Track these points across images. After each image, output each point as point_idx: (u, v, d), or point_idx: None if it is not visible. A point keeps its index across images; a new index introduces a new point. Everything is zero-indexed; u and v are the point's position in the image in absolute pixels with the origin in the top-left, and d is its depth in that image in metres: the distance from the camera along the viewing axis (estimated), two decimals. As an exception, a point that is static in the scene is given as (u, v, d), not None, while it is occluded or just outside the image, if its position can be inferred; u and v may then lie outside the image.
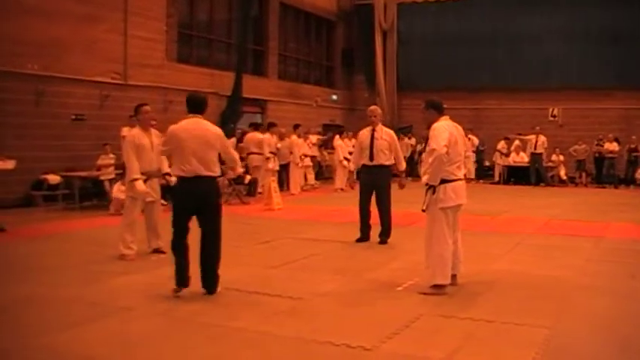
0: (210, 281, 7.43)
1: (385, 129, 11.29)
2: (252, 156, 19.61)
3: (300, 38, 29.88)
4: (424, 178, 7.68)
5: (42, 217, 14.31)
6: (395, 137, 11.38)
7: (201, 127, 7.44)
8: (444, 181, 7.49)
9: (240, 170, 7.78)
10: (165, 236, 9.77)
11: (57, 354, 5.47)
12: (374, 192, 11.16)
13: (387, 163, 11.08)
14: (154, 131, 9.80)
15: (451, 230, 7.61)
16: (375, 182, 11.06)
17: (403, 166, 11.43)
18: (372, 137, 11.03)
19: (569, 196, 21.01)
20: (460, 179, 7.68)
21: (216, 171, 7.49)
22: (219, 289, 7.46)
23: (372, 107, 11.50)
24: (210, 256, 7.44)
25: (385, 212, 11.13)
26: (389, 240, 11.09)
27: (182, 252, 7.43)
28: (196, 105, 7.60)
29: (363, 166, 11.21)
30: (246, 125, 21.95)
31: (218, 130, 7.63)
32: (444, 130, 7.51)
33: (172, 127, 7.57)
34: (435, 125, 7.60)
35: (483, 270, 8.87)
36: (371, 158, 11.02)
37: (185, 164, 7.33)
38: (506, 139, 27.05)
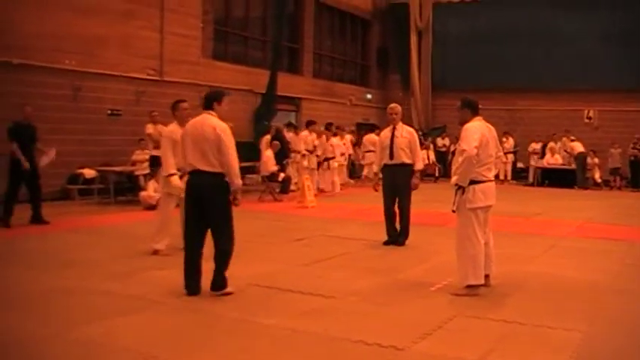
0: (214, 279, 7.27)
1: (406, 127, 11.05)
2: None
3: (335, 37, 29.92)
4: (453, 179, 7.65)
5: (78, 210, 14.49)
6: (415, 136, 11.07)
7: (203, 123, 7.31)
8: (473, 182, 7.46)
9: (239, 182, 7.51)
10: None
11: (92, 345, 5.54)
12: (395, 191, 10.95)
13: (408, 161, 10.79)
14: None
15: (482, 231, 7.57)
16: (395, 181, 10.78)
17: (420, 165, 11.09)
18: (393, 135, 10.82)
19: (604, 199, 20.78)
20: (490, 180, 7.63)
21: (218, 167, 7.22)
22: (227, 289, 7.27)
23: (392, 105, 11.23)
24: (217, 256, 7.28)
25: (404, 212, 10.91)
26: (407, 241, 10.89)
27: (188, 257, 7.36)
28: (205, 101, 7.55)
29: (385, 165, 10.94)
30: (281, 123, 22.00)
31: (219, 126, 7.25)
32: (476, 130, 7.46)
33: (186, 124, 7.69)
34: (468, 125, 7.56)
35: (517, 271, 8.81)
36: (391, 157, 10.79)
37: (187, 159, 7.36)
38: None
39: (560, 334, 6.08)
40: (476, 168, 7.43)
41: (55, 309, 6.68)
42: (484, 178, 7.53)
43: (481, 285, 7.54)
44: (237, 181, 7.30)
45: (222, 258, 7.26)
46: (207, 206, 7.22)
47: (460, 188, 7.53)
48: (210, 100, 7.48)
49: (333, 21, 29.70)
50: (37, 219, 12.42)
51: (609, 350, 5.79)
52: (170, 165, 9.45)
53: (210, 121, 7.29)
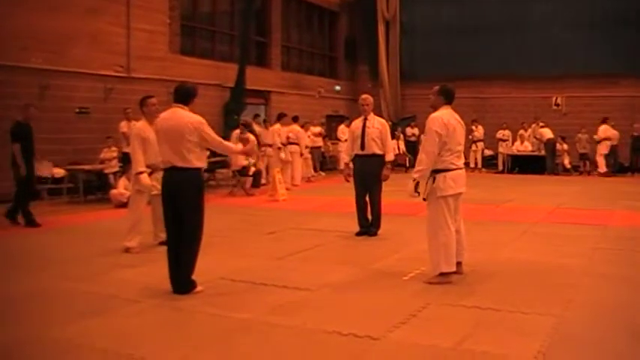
0: (179, 281, 7.13)
1: (377, 118, 11.08)
2: None
3: (303, 29, 29.88)
4: (414, 174, 7.72)
5: (47, 210, 14.29)
6: (387, 127, 11.11)
7: (176, 117, 7.17)
8: (443, 171, 7.51)
9: (237, 149, 7.39)
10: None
11: (68, 346, 5.49)
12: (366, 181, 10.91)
13: (379, 152, 10.78)
14: None
15: (453, 218, 7.60)
16: (366, 171, 10.76)
17: (391, 157, 10.98)
18: (364, 126, 10.82)
19: (574, 184, 20.97)
20: (460, 168, 7.67)
21: (193, 163, 7.14)
22: (197, 289, 7.13)
23: (364, 96, 11.21)
24: (182, 257, 7.12)
25: (375, 202, 10.92)
26: (379, 232, 10.91)
27: (169, 253, 7.20)
28: (178, 95, 7.34)
29: (356, 155, 10.91)
30: (251, 116, 21.87)
31: (195, 120, 7.17)
32: (437, 120, 7.50)
33: (156, 119, 7.62)
34: (432, 116, 7.57)
35: (489, 259, 8.87)
36: (362, 147, 10.78)
37: (162, 155, 7.24)
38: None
39: (534, 319, 6.13)
40: (445, 157, 7.48)
41: (29, 310, 6.59)
42: (454, 166, 7.57)
43: (453, 272, 7.59)
44: (236, 150, 7.49)
45: (189, 256, 7.12)
46: (182, 204, 7.11)
47: (430, 176, 7.57)
48: (189, 96, 7.35)
49: (301, 13, 29.64)
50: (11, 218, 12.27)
51: (583, 334, 5.84)
52: (139, 162, 9.34)
53: (182, 116, 7.18)
